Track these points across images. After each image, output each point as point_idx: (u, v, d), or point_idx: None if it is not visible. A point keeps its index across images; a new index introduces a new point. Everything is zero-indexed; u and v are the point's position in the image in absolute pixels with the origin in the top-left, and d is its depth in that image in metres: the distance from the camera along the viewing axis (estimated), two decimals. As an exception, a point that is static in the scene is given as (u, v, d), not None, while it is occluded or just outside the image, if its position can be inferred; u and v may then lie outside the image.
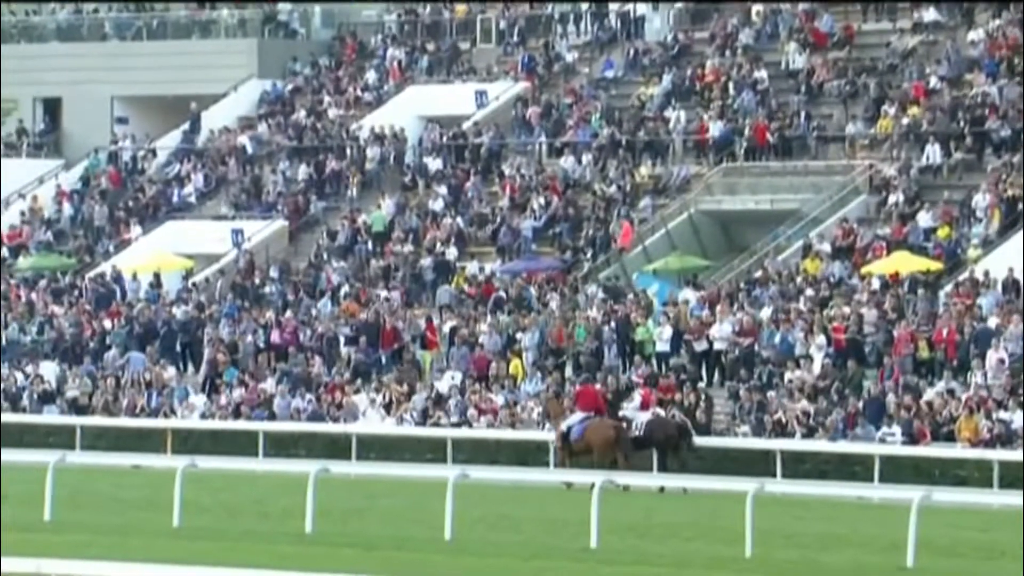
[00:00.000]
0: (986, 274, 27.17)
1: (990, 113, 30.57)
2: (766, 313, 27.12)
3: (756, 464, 23.08)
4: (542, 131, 34.25)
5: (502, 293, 29.95)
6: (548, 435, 23.69)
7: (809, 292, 27.73)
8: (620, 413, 23.18)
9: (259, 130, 36.80)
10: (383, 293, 30.83)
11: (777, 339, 26.51)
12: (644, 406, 23.57)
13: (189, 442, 26.30)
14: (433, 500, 17.25)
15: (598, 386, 24.84)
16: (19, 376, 29.52)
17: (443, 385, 27.16)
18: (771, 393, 25.24)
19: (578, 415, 22.98)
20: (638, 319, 27.58)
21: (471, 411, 26.26)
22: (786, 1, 34.15)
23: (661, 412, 24.09)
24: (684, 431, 23.42)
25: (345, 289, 31.39)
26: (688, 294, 28.24)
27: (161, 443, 26.62)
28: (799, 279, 28.33)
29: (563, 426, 23.02)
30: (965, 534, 17.27)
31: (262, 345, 29.55)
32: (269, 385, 28.04)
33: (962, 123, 30.55)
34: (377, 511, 19.22)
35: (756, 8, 34.57)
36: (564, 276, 30.60)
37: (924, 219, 29.02)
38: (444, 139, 34.95)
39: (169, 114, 37.68)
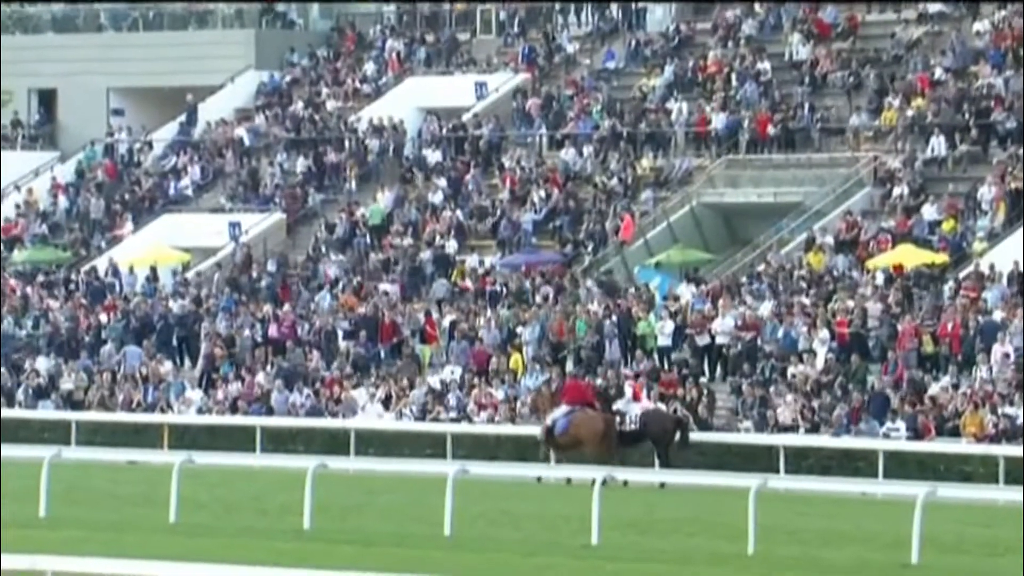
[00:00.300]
0: (991, 267, 26.97)
1: (995, 105, 30.36)
2: (768, 307, 26.89)
3: (759, 460, 22.86)
4: (542, 123, 34.04)
5: (497, 287, 29.70)
6: (535, 429, 23.45)
7: (812, 286, 27.52)
8: (614, 407, 22.92)
9: (256, 122, 36.55)
10: (383, 286, 30.58)
11: (780, 333, 26.28)
12: (635, 399, 23.31)
13: (186, 437, 26.15)
14: (433, 496, 17.15)
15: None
16: (10, 370, 29.27)
17: (442, 380, 26.91)
18: (771, 388, 25.02)
19: (563, 408, 22.80)
20: (639, 313, 27.37)
21: (471, 406, 26.03)
22: (789, -8, 33.97)
23: (662, 407, 23.85)
24: (681, 425, 23.15)
25: (343, 283, 31.15)
26: (684, 289, 27.96)
27: (158, 438, 26.44)
28: (801, 272, 28.10)
29: (548, 420, 22.83)
30: (970, 530, 17.19)
31: (259, 339, 29.32)
32: (266, 379, 27.80)
33: (967, 115, 30.35)
34: (376, 507, 19.10)
35: (759, -2, 34.38)
36: (564, 269, 30.38)
37: (929, 212, 28.82)
38: (443, 131, 34.70)
39: (165, 106, 37.44)
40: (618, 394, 23.74)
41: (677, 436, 22.94)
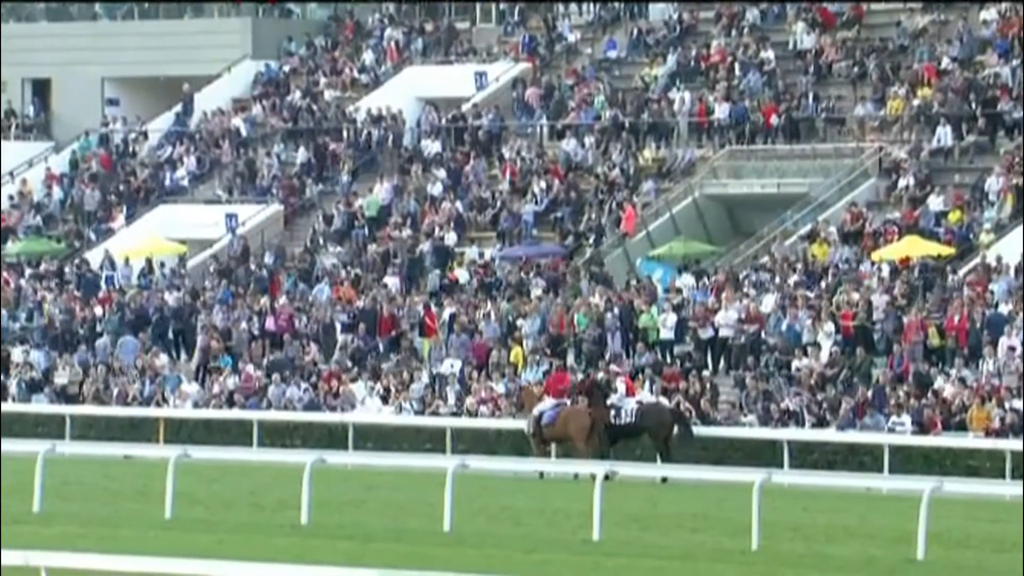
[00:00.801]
0: (998, 259, 26.74)
1: (1002, 94, 30.13)
2: (772, 300, 26.62)
3: (762, 454, 22.62)
4: (543, 113, 33.78)
5: (490, 279, 29.43)
6: (522, 424, 23.31)
7: (817, 278, 27.23)
8: (608, 401, 22.69)
9: (253, 112, 36.28)
10: (386, 280, 30.25)
11: (784, 326, 26.03)
12: (629, 393, 23.10)
13: (182, 431, 25.90)
14: (432, 491, 17.06)
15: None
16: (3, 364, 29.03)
17: (442, 373, 26.64)
18: (773, 381, 24.77)
19: (551, 401, 22.74)
20: (641, 306, 27.10)
21: (471, 400, 25.76)
22: (793, -20, 33.66)
23: (663, 400, 23.61)
24: (679, 418, 22.94)
25: (342, 275, 30.88)
26: (685, 281, 27.68)
27: (153, 432, 26.21)
28: (804, 264, 27.80)
29: (535, 411, 22.72)
30: (976, 525, 17.08)
31: (256, 332, 29.02)
32: (264, 373, 27.53)
33: (973, 105, 30.13)
34: (375, 502, 18.96)
35: (762, -14, 34.06)
36: (563, 262, 30.08)
37: (935, 203, 28.59)
38: (443, 121, 34.41)
39: (161, 96, 37.20)
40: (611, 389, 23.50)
41: (676, 429, 22.70)
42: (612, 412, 22.63)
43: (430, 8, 37.37)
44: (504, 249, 31.12)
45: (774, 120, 31.41)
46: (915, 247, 27.51)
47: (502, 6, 36.59)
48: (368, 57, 36.79)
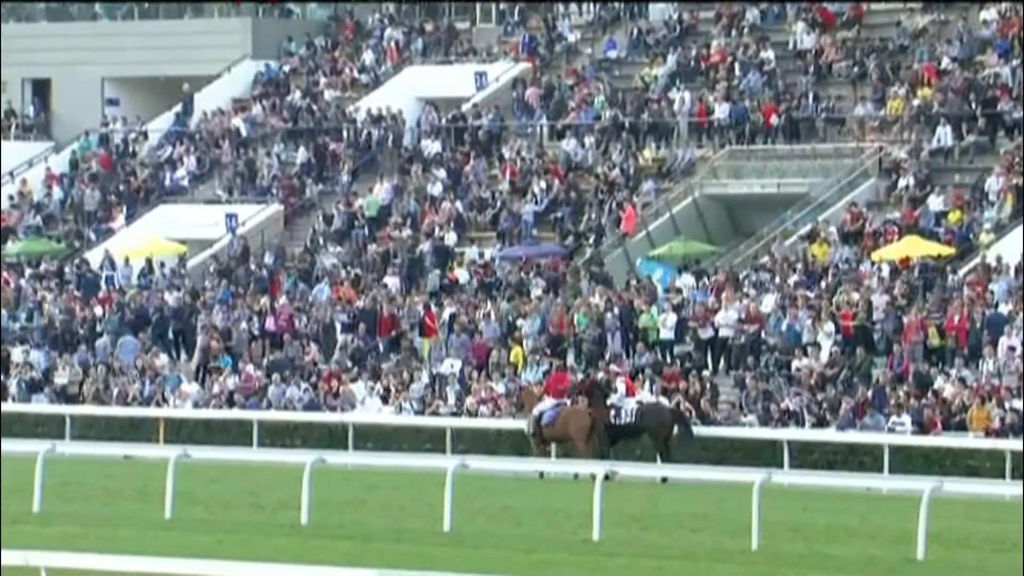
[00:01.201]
0: (998, 259, 26.74)
1: (1002, 94, 30.13)
2: (772, 300, 26.63)
3: (763, 454, 22.62)
4: (543, 113, 33.79)
5: (490, 279, 29.44)
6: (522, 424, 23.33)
7: (817, 278, 27.25)
8: (608, 402, 22.72)
9: (253, 112, 36.29)
10: (386, 280, 30.26)
11: (784, 326, 26.03)
12: (629, 393, 23.13)
13: (182, 431, 25.91)
14: (432, 491, 17.06)
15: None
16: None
17: (442, 373, 26.66)
18: (773, 381, 24.77)
19: (550, 401, 22.78)
20: (641, 306, 27.11)
21: (471, 400, 25.76)
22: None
23: (663, 400, 23.62)
24: (679, 418, 22.95)
25: (342, 275, 30.90)
26: (682, 281, 27.70)
27: (153, 432, 26.21)
28: (805, 265, 27.81)
29: (535, 411, 22.76)
30: (976, 525, 17.08)
31: (256, 332, 29.03)
32: (264, 373, 27.54)
33: (974, 105, 30.14)
34: (374, 502, 18.96)
35: (763, -14, 34.06)
36: (565, 262, 30.10)
37: (935, 203, 28.60)
38: (443, 121, 34.41)
39: (161, 96, 37.21)
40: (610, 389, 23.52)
41: (676, 429, 22.73)
42: (612, 412, 22.69)
43: (430, 8, 37.34)
44: (504, 249, 31.13)
45: (774, 120, 31.41)
46: (915, 247, 27.52)
47: (502, 6, 36.57)
48: (368, 57, 36.78)
